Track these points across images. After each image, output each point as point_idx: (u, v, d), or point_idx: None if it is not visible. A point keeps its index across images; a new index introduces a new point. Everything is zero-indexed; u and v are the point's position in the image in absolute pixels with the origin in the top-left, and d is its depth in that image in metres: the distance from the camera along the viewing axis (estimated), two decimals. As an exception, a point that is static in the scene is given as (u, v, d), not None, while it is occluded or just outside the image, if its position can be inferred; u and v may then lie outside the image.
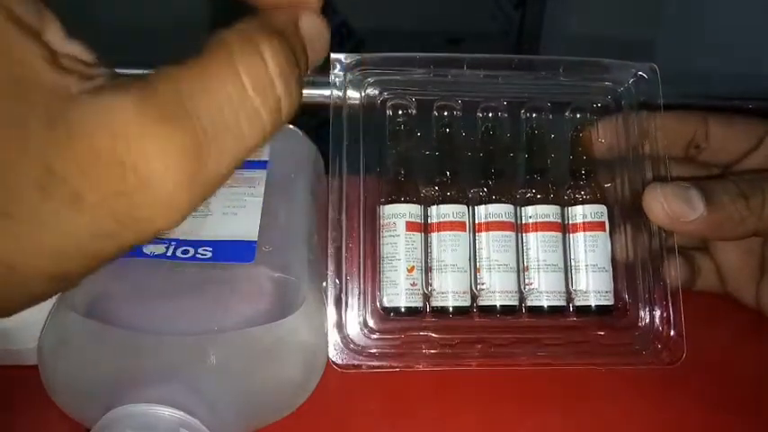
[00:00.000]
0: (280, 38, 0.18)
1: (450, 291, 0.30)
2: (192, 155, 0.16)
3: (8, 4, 0.16)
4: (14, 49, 0.16)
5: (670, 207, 0.29)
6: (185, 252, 0.26)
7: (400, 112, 0.32)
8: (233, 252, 0.27)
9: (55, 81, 0.16)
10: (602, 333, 0.30)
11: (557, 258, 0.31)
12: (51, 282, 0.17)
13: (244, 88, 0.17)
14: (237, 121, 0.17)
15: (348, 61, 0.31)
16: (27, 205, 0.15)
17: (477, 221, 0.31)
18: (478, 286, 0.30)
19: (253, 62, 0.17)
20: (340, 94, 0.31)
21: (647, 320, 0.30)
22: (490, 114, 0.33)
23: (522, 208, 0.32)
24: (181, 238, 0.27)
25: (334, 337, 0.28)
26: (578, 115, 0.33)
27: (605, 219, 0.31)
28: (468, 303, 0.30)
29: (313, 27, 0.20)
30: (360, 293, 0.29)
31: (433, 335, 0.29)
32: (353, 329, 0.29)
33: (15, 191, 0.15)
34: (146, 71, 0.16)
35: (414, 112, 0.32)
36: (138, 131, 0.15)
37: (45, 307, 0.26)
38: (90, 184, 0.15)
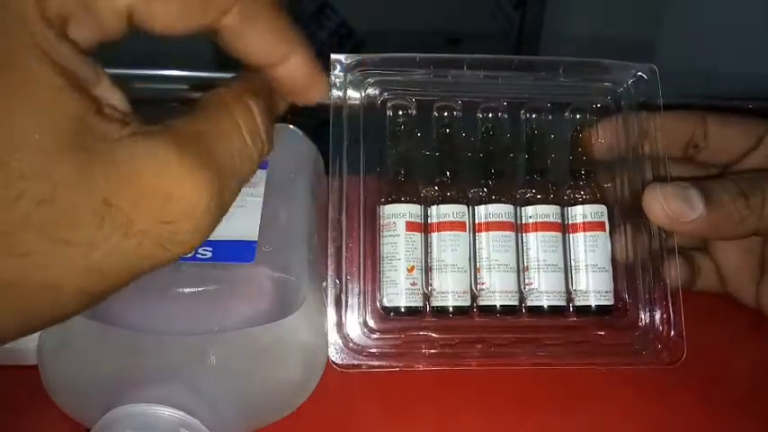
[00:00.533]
0: (263, 94, 0.23)
1: (450, 290, 0.30)
2: (216, 189, 0.20)
3: (72, 67, 0.19)
4: (74, 106, 0.19)
5: (669, 207, 0.29)
6: (185, 252, 0.26)
7: (400, 113, 0.32)
8: (233, 252, 0.27)
9: (104, 129, 0.19)
10: (603, 333, 0.30)
11: (557, 258, 0.31)
12: (88, 300, 0.19)
13: (244, 138, 0.22)
14: (241, 162, 0.22)
15: (348, 62, 0.31)
16: (85, 232, 0.18)
17: (477, 221, 0.31)
18: (478, 286, 0.30)
19: (248, 118, 0.22)
20: (340, 94, 0.31)
21: (647, 320, 0.30)
22: (490, 115, 0.33)
23: (522, 208, 0.32)
24: (181, 238, 0.27)
25: (334, 337, 0.28)
26: (578, 116, 0.33)
27: (605, 219, 0.31)
28: (468, 303, 0.30)
29: (300, 78, 0.25)
30: (360, 293, 0.29)
31: (433, 335, 0.29)
32: (353, 329, 0.29)
33: (77, 221, 0.18)
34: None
35: (414, 112, 0.32)
36: (178, 172, 0.19)
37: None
38: (139, 213, 0.19)
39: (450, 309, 0.30)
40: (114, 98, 0.21)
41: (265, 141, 0.23)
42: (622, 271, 0.31)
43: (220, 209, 0.21)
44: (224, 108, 0.22)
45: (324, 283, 0.29)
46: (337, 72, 0.31)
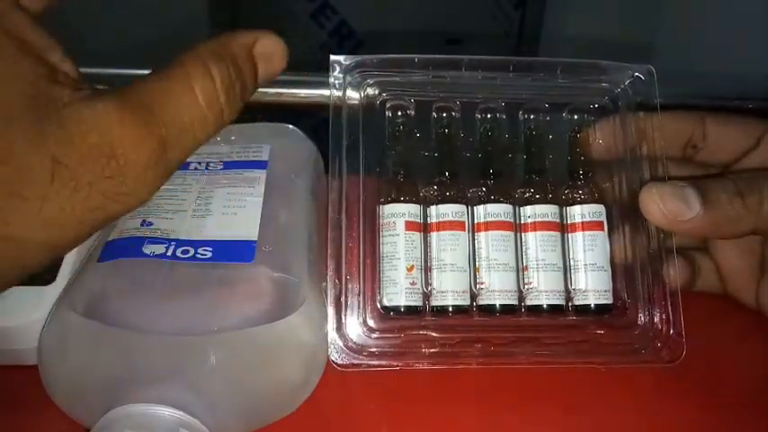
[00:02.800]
0: (228, 61, 0.24)
1: (449, 290, 0.30)
2: (158, 149, 0.22)
3: (22, 35, 0.21)
4: (27, 72, 0.21)
5: (666, 206, 0.29)
6: (185, 252, 0.27)
7: (399, 113, 0.32)
8: (233, 252, 0.27)
9: (56, 93, 0.21)
10: (602, 332, 0.30)
11: (556, 258, 0.31)
12: (51, 251, 0.21)
13: (197, 101, 0.23)
14: (192, 124, 0.23)
15: (348, 63, 0.31)
16: (39, 187, 0.20)
17: (476, 221, 0.31)
18: (478, 285, 0.31)
19: (204, 82, 0.23)
20: (339, 94, 0.31)
21: (647, 319, 0.30)
22: (489, 115, 0.33)
23: (521, 208, 0.32)
24: (181, 238, 0.27)
25: (333, 337, 0.28)
26: (576, 116, 0.33)
27: (603, 218, 0.31)
28: (467, 303, 0.30)
29: (269, 48, 0.26)
30: (359, 293, 0.29)
31: (433, 334, 0.29)
32: (353, 329, 0.29)
33: (31, 177, 0.20)
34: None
35: (413, 112, 0.32)
36: (119, 132, 0.21)
37: (45, 307, 0.27)
38: (86, 170, 0.21)
39: (450, 308, 0.30)
40: (66, 65, 0.23)
41: (225, 106, 0.24)
42: (621, 270, 0.31)
43: (165, 166, 0.22)
44: (180, 69, 0.23)
45: (324, 283, 0.29)
46: (337, 73, 0.31)
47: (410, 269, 0.30)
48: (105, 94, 0.22)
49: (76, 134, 0.21)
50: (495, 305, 0.30)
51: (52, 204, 0.20)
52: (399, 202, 0.31)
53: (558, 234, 0.31)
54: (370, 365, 0.28)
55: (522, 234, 0.31)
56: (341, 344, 0.28)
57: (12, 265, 0.21)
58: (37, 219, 0.20)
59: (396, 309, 0.30)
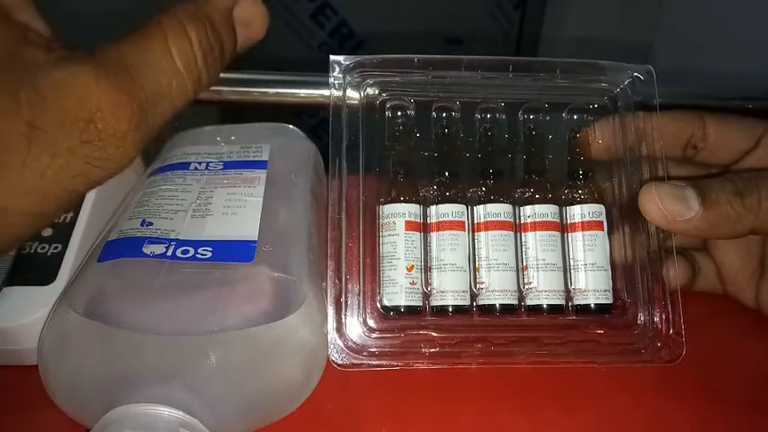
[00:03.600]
0: (206, 23, 0.24)
1: (449, 290, 0.30)
2: (137, 111, 0.22)
3: None
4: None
5: (665, 206, 0.29)
6: (185, 252, 0.27)
7: (399, 113, 0.32)
8: (233, 252, 0.27)
9: (29, 54, 0.20)
10: (602, 332, 0.30)
11: (555, 257, 0.31)
12: (35, 220, 0.21)
13: (174, 63, 0.23)
14: (169, 87, 0.23)
15: (348, 63, 0.31)
16: (17, 154, 0.20)
17: (476, 221, 0.31)
18: (478, 285, 0.31)
19: (182, 43, 0.23)
20: (339, 94, 0.31)
21: (646, 319, 0.30)
22: (488, 115, 0.33)
23: (521, 207, 0.32)
24: (181, 238, 0.27)
25: (333, 337, 0.28)
26: (575, 116, 0.33)
27: (603, 218, 0.31)
28: (467, 302, 0.30)
29: (248, 12, 0.26)
30: (359, 293, 0.29)
31: (433, 334, 0.29)
32: (353, 329, 0.29)
33: (7, 143, 0.19)
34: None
35: (413, 112, 0.32)
36: (97, 96, 0.21)
37: (45, 307, 0.27)
38: (64, 134, 0.20)
39: (450, 308, 0.30)
40: (39, 25, 0.22)
41: (203, 68, 0.24)
42: (621, 270, 0.31)
43: (144, 129, 0.22)
44: (158, 30, 0.23)
45: (324, 283, 0.29)
46: (336, 73, 0.31)
47: (410, 269, 0.30)
48: (80, 55, 0.21)
49: (53, 99, 0.20)
50: (494, 305, 0.30)
51: (31, 171, 0.20)
52: (399, 201, 0.31)
53: (557, 234, 0.31)
54: (370, 365, 0.29)
55: (522, 234, 0.31)
56: (341, 344, 0.28)
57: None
58: (18, 187, 0.20)
59: (396, 309, 0.30)
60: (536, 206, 0.31)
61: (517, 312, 0.31)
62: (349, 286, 0.29)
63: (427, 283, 0.30)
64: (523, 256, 0.31)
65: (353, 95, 0.31)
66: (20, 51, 0.20)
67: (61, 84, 0.20)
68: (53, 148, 0.20)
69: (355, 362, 0.28)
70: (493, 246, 0.31)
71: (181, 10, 0.24)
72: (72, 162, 0.21)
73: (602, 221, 0.31)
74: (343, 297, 0.29)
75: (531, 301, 0.31)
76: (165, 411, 0.22)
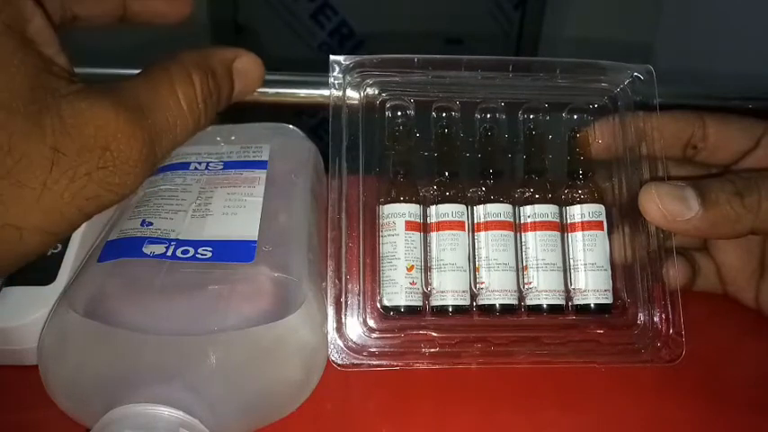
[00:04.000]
0: (208, 72, 0.27)
1: (449, 290, 0.30)
2: (147, 143, 0.24)
3: (22, 27, 0.22)
4: (28, 65, 0.22)
5: (665, 206, 0.29)
6: (185, 252, 0.27)
7: (399, 113, 0.32)
8: (233, 252, 0.27)
9: (54, 85, 0.22)
10: (602, 331, 0.30)
11: (555, 257, 0.31)
12: (47, 237, 0.23)
13: (180, 104, 0.26)
14: (174, 124, 0.26)
15: (347, 63, 0.31)
16: (39, 175, 0.21)
17: (475, 221, 0.31)
18: (478, 285, 0.31)
19: (187, 88, 0.26)
20: (339, 94, 0.31)
21: (646, 319, 0.30)
22: (488, 115, 0.33)
23: (521, 207, 0.32)
24: (181, 238, 0.27)
25: (333, 337, 0.28)
26: (575, 116, 0.33)
27: (603, 218, 0.31)
28: (467, 302, 0.30)
29: (246, 65, 0.30)
30: (359, 293, 0.29)
31: (433, 334, 0.29)
32: (353, 329, 0.29)
33: (32, 164, 0.21)
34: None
35: (412, 112, 0.32)
36: (114, 126, 0.23)
37: (45, 307, 0.27)
38: (83, 159, 0.22)
39: (450, 308, 0.30)
40: (61, 59, 0.24)
41: (203, 111, 0.27)
42: (621, 270, 0.31)
43: (152, 161, 0.25)
44: (165, 75, 0.26)
45: (324, 283, 0.29)
46: (336, 73, 0.31)
47: (410, 269, 0.30)
48: (100, 89, 0.23)
49: (74, 126, 0.22)
50: (494, 305, 0.30)
51: (51, 192, 0.22)
52: (399, 201, 0.31)
53: (557, 234, 0.31)
54: (370, 365, 0.29)
55: (522, 234, 0.31)
56: (341, 344, 0.28)
57: (10, 250, 0.22)
58: (36, 206, 0.21)
59: (396, 309, 0.30)
60: (536, 206, 0.31)
61: (517, 312, 0.31)
62: (349, 286, 0.29)
63: (427, 283, 0.30)
64: (523, 256, 0.31)
65: (353, 95, 0.31)
66: (46, 82, 0.22)
67: (82, 113, 0.22)
68: (72, 172, 0.22)
69: (355, 362, 0.28)
70: (493, 246, 0.31)
71: (187, 58, 0.27)
72: (88, 185, 0.22)
73: (602, 221, 0.31)
74: (343, 297, 0.29)
75: (530, 301, 0.31)
76: (165, 411, 0.22)
